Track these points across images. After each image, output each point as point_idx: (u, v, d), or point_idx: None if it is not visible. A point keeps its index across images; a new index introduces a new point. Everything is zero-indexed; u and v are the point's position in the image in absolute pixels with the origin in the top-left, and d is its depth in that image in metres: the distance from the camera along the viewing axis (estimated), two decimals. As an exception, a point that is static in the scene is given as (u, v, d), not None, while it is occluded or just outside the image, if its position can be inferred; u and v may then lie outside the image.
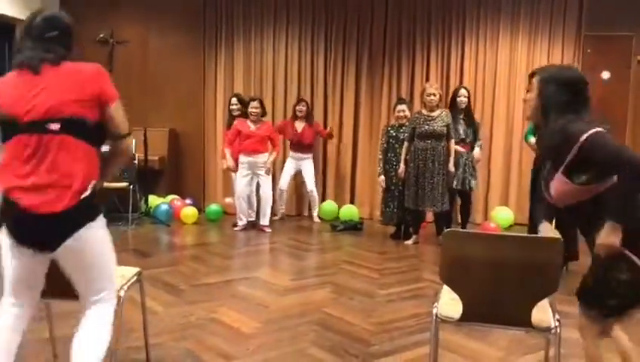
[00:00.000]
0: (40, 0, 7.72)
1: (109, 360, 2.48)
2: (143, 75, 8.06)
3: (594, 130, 2.23)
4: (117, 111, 2.41)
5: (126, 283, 2.79)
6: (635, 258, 2.22)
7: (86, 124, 2.26)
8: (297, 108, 7.25)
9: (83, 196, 2.19)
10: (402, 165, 6.11)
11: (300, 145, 7.24)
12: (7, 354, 2.29)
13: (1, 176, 2.19)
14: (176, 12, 7.99)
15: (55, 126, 2.17)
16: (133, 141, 7.49)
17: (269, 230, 6.78)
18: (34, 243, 2.20)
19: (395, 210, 6.35)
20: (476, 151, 6.33)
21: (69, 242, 2.19)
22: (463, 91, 6.29)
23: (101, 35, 8.00)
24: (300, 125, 7.24)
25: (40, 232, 2.18)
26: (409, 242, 6.20)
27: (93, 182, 2.25)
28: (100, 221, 2.31)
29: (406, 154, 6.10)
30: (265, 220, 6.84)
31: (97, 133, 2.33)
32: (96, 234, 2.30)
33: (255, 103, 6.71)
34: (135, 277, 2.92)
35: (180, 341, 3.43)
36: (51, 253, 2.24)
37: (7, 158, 2.19)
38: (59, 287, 2.65)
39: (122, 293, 2.71)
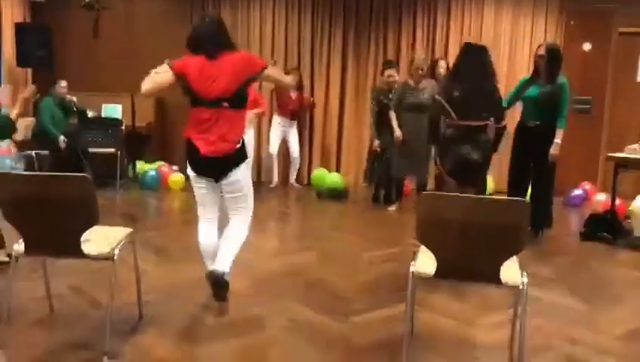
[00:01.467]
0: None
1: (108, 313, 2.64)
2: (130, 41, 8.06)
3: None
4: (273, 71, 3.58)
5: (120, 243, 2.93)
6: None
7: (243, 99, 3.33)
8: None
9: (237, 146, 3.29)
10: (398, 131, 6.09)
11: (292, 113, 7.33)
12: (213, 247, 3.53)
13: (188, 130, 3.32)
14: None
15: (225, 103, 3.23)
16: (120, 107, 7.63)
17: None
18: (207, 175, 3.37)
19: (380, 174, 6.54)
20: None
21: (228, 176, 3.32)
22: (442, 63, 6.39)
23: (86, 1, 7.98)
24: (292, 94, 7.30)
25: (211, 168, 3.34)
26: (392, 208, 6.37)
27: (243, 135, 3.34)
28: (247, 163, 3.40)
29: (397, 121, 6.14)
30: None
31: (247, 101, 3.41)
32: (244, 171, 3.41)
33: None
34: (128, 238, 3.07)
35: (169, 297, 3.60)
36: (217, 182, 3.36)
37: (192, 119, 3.31)
38: (54, 245, 2.81)
39: (116, 252, 2.86)
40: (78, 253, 2.79)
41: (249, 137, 6.77)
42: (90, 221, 2.76)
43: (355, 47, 7.85)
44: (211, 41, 3.29)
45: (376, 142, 6.48)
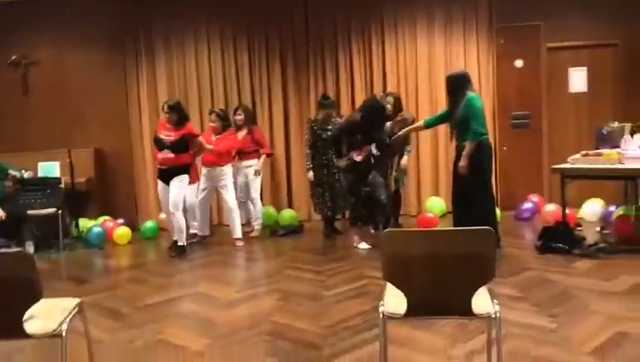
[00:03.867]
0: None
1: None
2: (62, 95, 7.81)
3: None
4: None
5: (68, 316, 2.72)
6: None
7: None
8: (235, 117, 7.02)
9: None
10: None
11: (242, 154, 6.96)
12: None
13: None
14: (92, 28, 7.76)
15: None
16: (58, 164, 7.32)
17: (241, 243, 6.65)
18: None
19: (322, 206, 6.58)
20: (404, 159, 6.56)
21: None
22: (389, 99, 6.48)
23: (13, 57, 7.71)
24: (241, 133, 6.96)
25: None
26: (363, 246, 6.05)
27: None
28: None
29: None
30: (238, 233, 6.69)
31: None
32: None
33: (213, 117, 6.71)
34: (77, 308, 2.85)
35: (128, 367, 3.37)
36: None
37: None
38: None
39: (64, 327, 2.64)
40: (22, 334, 2.57)
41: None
42: (34, 297, 2.55)
43: (294, 85, 7.83)
44: None
45: (310, 174, 6.53)
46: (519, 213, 7.15)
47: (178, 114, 6.12)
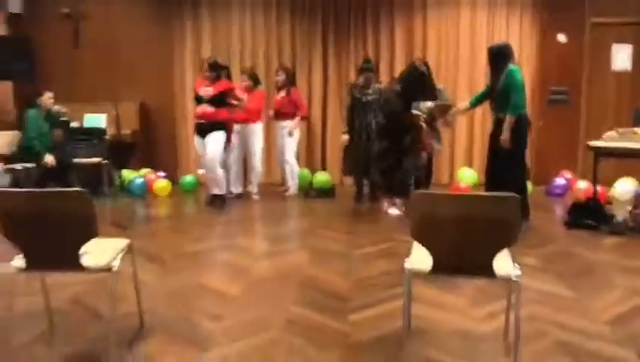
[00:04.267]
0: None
1: (111, 324, 2.68)
2: (111, 49, 8.04)
3: None
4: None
5: (118, 254, 2.97)
6: None
7: None
8: (276, 77, 7.19)
9: None
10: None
11: (279, 114, 7.17)
12: None
13: None
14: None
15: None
16: (104, 116, 7.63)
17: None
18: None
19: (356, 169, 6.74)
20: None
21: None
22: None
23: (65, 11, 7.95)
24: (280, 94, 7.14)
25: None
26: (394, 211, 6.19)
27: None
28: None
29: None
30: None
31: None
32: None
33: (244, 76, 6.98)
34: (126, 248, 3.10)
35: (169, 306, 3.64)
36: None
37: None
38: (54, 260, 2.84)
39: (115, 264, 2.89)
40: (78, 267, 2.82)
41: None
42: (89, 234, 2.79)
43: (335, 48, 7.92)
44: None
45: (345, 136, 6.64)
46: (551, 189, 7.19)
47: (216, 71, 6.39)
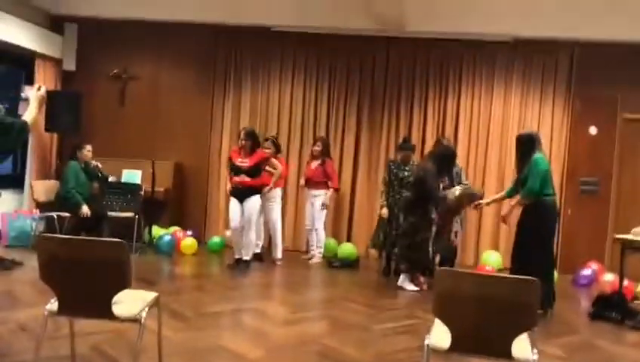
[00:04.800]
0: (61, 38, 8.15)
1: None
2: (153, 110, 8.43)
3: None
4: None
5: (147, 305, 3.08)
6: None
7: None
8: (313, 147, 7.54)
9: None
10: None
11: (311, 183, 7.45)
12: None
13: None
14: (188, 52, 8.40)
15: None
16: (140, 172, 7.92)
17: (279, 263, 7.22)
18: None
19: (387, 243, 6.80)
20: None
21: None
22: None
23: (115, 71, 8.42)
24: (314, 163, 7.45)
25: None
26: (412, 287, 6.22)
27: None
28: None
29: None
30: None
31: None
32: None
33: (267, 143, 7.21)
34: (154, 301, 3.21)
35: (189, 363, 3.69)
36: None
37: None
38: (87, 306, 2.96)
39: (143, 315, 2.99)
40: (109, 315, 2.93)
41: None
42: (123, 284, 2.92)
43: (368, 123, 8.18)
44: None
45: (385, 211, 6.77)
46: (577, 279, 7.11)
47: (252, 140, 6.65)
